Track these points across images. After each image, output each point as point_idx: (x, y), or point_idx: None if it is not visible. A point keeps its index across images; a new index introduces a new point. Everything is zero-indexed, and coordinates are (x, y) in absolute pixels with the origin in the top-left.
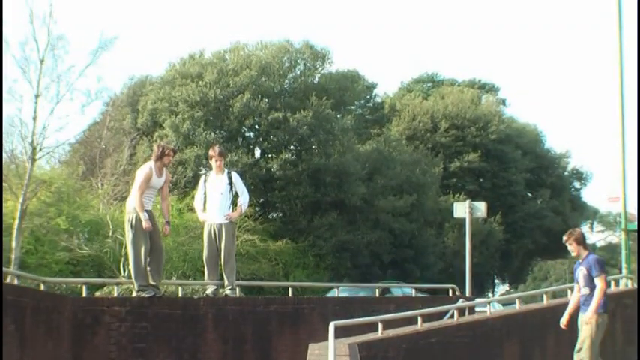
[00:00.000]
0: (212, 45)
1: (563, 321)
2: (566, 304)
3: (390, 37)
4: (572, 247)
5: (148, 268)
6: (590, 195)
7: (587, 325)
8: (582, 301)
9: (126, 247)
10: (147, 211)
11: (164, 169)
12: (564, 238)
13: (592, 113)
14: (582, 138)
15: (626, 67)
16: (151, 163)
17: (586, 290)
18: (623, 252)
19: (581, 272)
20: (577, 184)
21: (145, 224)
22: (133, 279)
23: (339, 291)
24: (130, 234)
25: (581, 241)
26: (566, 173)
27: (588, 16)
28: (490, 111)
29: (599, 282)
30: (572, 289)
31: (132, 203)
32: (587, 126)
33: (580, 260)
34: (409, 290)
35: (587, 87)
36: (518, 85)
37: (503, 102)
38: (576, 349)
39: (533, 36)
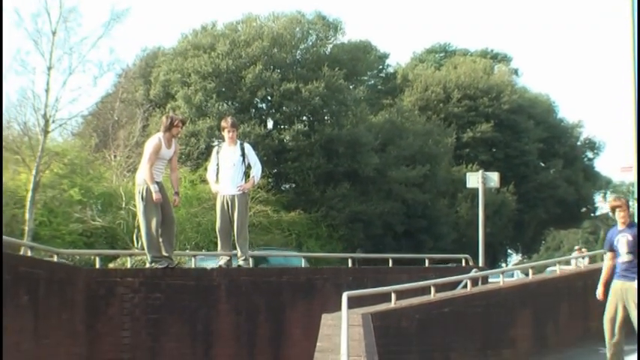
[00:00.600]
0: (224, 16)
1: (600, 293)
2: (578, 274)
3: (402, 8)
4: (624, 213)
5: (160, 240)
6: (603, 164)
7: None
8: (624, 268)
9: (138, 218)
10: (157, 182)
11: (173, 139)
12: (616, 203)
13: (605, 82)
14: (595, 107)
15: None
16: (159, 134)
17: (629, 257)
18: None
19: (624, 238)
20: (590, 154)
21: (155, 195)
22: (146, 251)
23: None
24: (141, 206)
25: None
26: (579, 143)
27: None
28: (502, 81)
29: None
30: (583, 258)
31: (142, 175)
32: (600, 95)
33: (621, 227)
34: (298, 261)
35: (600, 56)
36: (531, 55)
37: (516, 72)
38: (607, 317)
39: (546, 5)
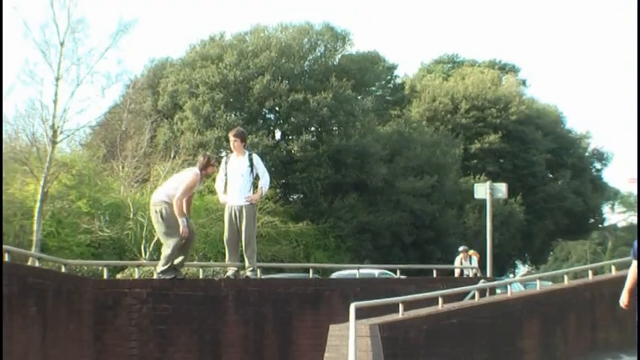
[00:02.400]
0: (232, 27)
1: (625, 300)
2: (586, 285)
3: (410, 18)
4: None
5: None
6: (611, 175)
7: None
8: None
9: (146, 229)
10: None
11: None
12: None
13: (613, 93)
14: (603, 118)
15: None
16: (196, 170)
17: None
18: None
19: None
20: (598, 165)
21: (184, 230)
22: (160, 262)
23: None
24: (163, 227)
25: None
26: (586, 154)
27: None
28: (510, 92)
29: None
30: (593, 269)
31: (161, 197)
32: (608, 106)
33: None
34: None
35: (608, 67)
36: (539, 66)
37: (524, 83)
38: None
39: (554, 16)
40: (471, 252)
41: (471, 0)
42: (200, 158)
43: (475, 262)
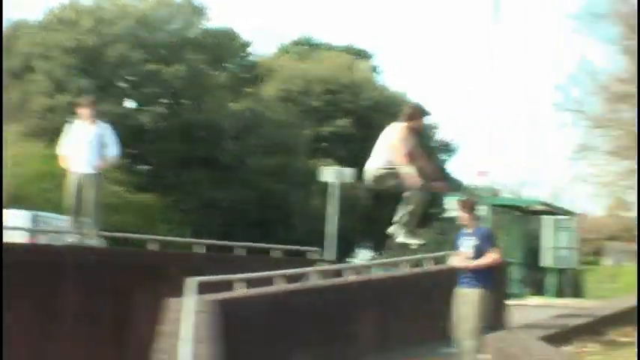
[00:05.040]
0: None
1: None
2: (426, 274)
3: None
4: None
5: None
6: (456, 167)
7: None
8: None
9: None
10: None
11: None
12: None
13: (465, 88)
14: (453, 111)
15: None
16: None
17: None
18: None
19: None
20: (444, 156)
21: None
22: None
23: None
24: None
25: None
26: (433, 144)
27: None
28: (365, 77)
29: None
30: (434, 259)
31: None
32: (458, 99)
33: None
34: None
35: (460, 61)
36: (391, 54)
37: (375, 69)
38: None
39: (406, 6)
40: None
41: None
42: (406, 109)
43: None
